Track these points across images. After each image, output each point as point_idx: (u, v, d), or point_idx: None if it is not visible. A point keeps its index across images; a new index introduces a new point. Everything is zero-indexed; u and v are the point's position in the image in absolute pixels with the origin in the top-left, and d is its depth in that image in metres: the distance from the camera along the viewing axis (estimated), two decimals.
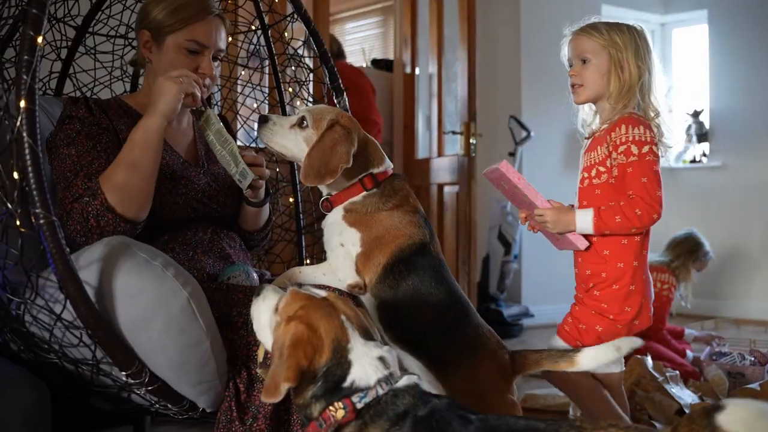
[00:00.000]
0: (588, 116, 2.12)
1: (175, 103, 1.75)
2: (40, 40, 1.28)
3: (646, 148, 1.86)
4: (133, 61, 2.12)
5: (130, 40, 2.55)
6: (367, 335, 1.24)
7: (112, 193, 1.67)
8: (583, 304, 2.02)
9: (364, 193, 1.76)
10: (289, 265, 2.76)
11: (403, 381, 1.19)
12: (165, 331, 1.45)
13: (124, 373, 1.45)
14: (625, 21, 2.07)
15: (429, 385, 1.71)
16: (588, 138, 2.03)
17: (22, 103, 1.23)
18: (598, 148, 1.93)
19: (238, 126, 2.70)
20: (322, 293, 1.28)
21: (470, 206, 4.86)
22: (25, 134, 1.24)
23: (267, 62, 2.87)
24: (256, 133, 1.86)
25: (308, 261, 2.75)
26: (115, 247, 1.46)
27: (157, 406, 1.59)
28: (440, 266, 1.77)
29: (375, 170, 1.78)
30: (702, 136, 5.86)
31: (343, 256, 1.75)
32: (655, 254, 4.03)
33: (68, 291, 1.33)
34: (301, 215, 2.75)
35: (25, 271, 1.38)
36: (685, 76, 6.19)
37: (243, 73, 2.84)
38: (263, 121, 1.78)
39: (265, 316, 1.30)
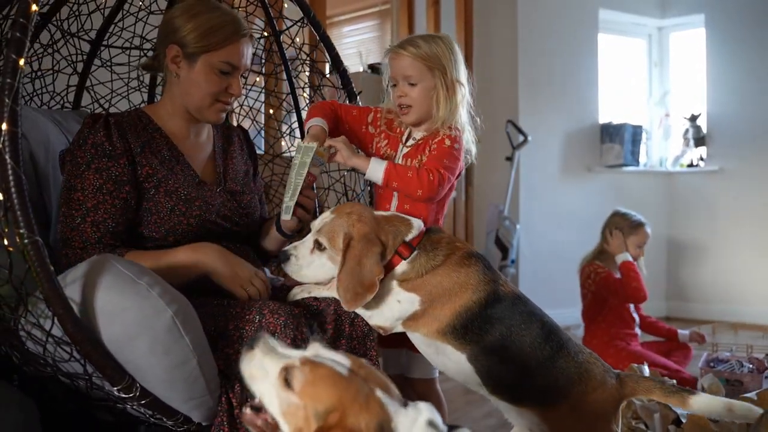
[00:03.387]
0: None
1: (232, 286, 1.79)
2: (22, 62, 1.28)
3: (456, 146, 1.89)
4: (147, 66, 2.08)
5: (145, 51, 2.56)
6: (401, 400, 1.05)
7: None
8: None
9: (408, 259, 1.73)
10: None
11: None
12: (150, 351, 1.45)
13: (115, 387, 1.46)
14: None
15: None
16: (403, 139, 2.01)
17: (4, 126, 1.23)
18: (420, 155, 1.92)
19: (255, 133, 2.69)
20: (344, 362, 1.06)
21: (467, 211, 4.86)
22: (7, 156, 1.25)
23: (263, 69, 2.87)
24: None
25: None
26: (100, 264, 1.46)
27: (153, 419, 1.59)
28: (521, 304, 1.75)
29: (407, 238, 1.74)
30: (699, 140, 5.85)
31: (397, 309, 1.74)
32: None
33: (55, 309, 1.34)
34: None
35: (15, 288, 1.38)
36: (682, 80, 6.18)
37: (258, 79, 2.85)
38: (284, 259, 1.78)
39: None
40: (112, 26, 2.48)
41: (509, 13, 5.38)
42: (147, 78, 2.60)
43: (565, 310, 5.41)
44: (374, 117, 2.03)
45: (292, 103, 2.81)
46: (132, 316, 1.43)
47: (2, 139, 1.23)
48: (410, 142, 1.97)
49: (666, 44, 6.18)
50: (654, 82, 6.22)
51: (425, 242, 1.75)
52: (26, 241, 1.25)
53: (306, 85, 2.86)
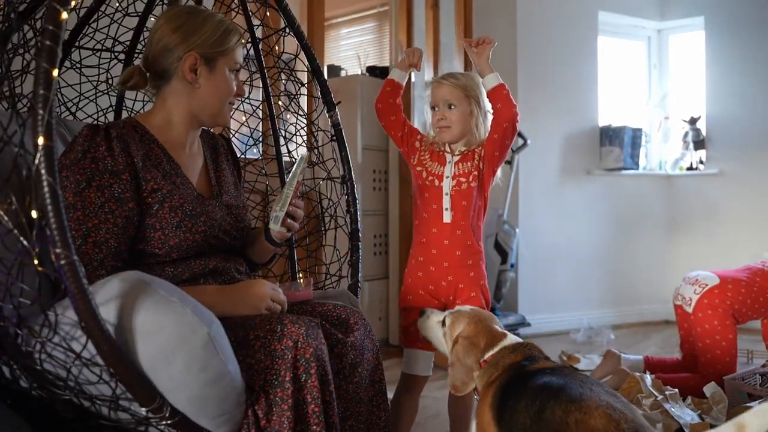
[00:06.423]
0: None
1: (247, 310, 1.79)
2: (55, 73, 1.22)
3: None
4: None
5: (115, 53, 2.51)
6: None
7: None
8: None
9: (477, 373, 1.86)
10: (281, 279, 2.79)
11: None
12: (186, 369, 1.43)
13: (144, 408, 1.42)
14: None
15: None
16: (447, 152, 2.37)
17: (41, 140, 1.18)
18: (468, 162, 2.31)
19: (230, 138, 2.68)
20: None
21: None
22: (44, 172, 1.19)
23: (255, 75, 2.85)
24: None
25: (300, 275, 2.76)
26: (133, 283, 1.43)
27: None
28: None
29: (485, 356, 1.85)
30: (699, 143, 5.86)
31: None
32: None
33: (90, 331, 1.29)
34: None
35: (42, 310, 1.34)
36: (681, 83, 6.19)
37: None
38: (422, 314, 2.10)
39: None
40: (86, 27, 2.41)
41: (508, 16, 5.37)
42: (116, 81, 2.53)
43: (564, 315, 5.42)
44: (420, 138, 2.43)
45: (267, 111, 2.82)
46: (169, 335, 1.40)
47: (38, 154, 1.18)
48: (458, 153, 2.34)
49: (665, 47, 6.19)
50: (653, 84, 6.23)
51: (497, 357, 1.84)
52: (63, 261, 1.20)
53: (282, 93, 2.84)
